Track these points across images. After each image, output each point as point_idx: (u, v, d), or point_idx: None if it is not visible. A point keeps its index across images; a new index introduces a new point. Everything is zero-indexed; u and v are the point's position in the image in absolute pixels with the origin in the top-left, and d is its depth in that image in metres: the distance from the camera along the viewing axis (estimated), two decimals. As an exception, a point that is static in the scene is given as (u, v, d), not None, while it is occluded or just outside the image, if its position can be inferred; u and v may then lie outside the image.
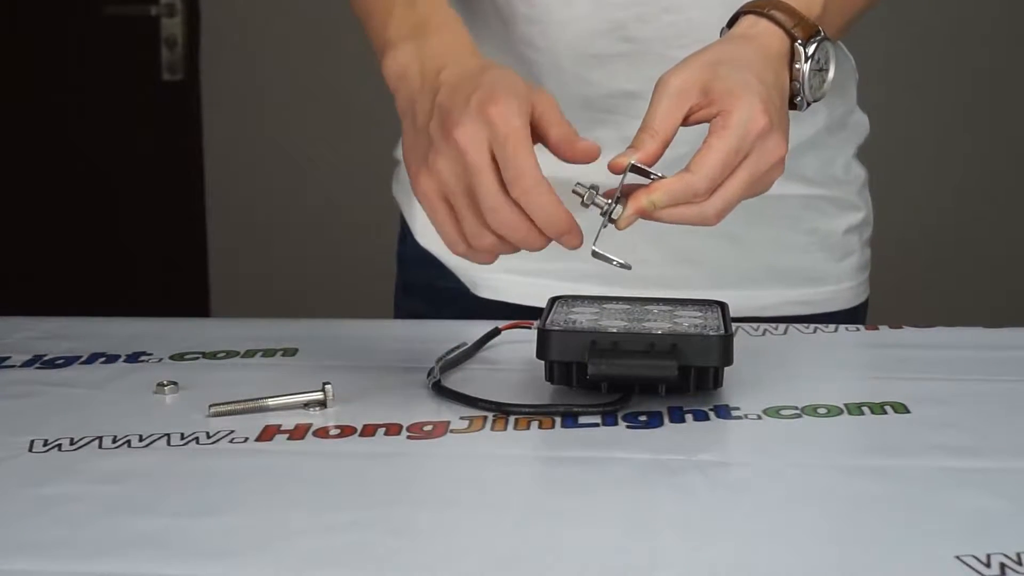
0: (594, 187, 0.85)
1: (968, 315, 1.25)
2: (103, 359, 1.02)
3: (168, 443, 0.83)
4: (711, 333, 0.87)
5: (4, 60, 3.07)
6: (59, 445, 0.82)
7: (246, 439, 0.83)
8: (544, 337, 0.88)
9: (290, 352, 1.03)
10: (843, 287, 1.19)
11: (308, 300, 3.03)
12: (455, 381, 0.93)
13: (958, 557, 0.64)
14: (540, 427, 0.85)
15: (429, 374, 0.93)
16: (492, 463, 0.80)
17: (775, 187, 1.13)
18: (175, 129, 3.11)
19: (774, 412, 0.87)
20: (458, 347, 1.00)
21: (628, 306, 0.96)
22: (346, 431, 0.84)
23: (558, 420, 0.86)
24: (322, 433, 0.84)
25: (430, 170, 0.84)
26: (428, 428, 0.85)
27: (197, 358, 1.02)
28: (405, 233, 1.23)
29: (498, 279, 1.16)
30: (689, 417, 0.86)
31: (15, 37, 3.07)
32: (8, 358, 1.02)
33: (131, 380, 0.96)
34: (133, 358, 1.02)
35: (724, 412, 0.87)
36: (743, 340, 1.04)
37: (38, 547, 0.67)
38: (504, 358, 1.00)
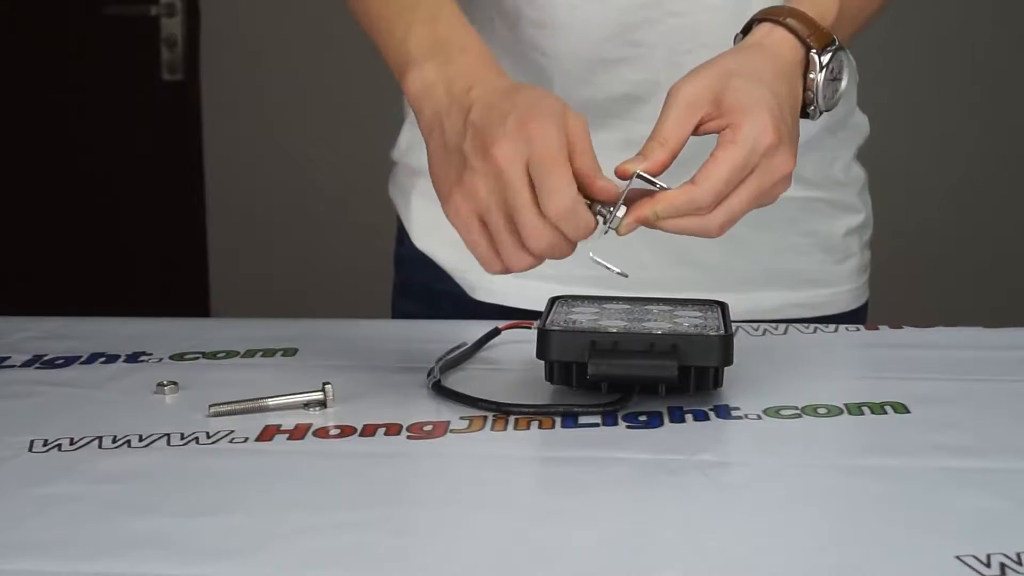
0: None
1: (968, 315, 1.25)
2: (103, 359, 1.02)
3: (168, 443, 0.83)
4: (711, 333, 0.87)
5: (4, 60, 3.07)
6: (59, 445, 0.82)
7: (246, 439, 0.83)
8: (544, 337, 0.88)
9: (290, 352, 1.03)
10: (843, 290, 1.19)
11: (308, 300, 3.03)
12: (455, 381, 0.93)
13: (958, 557, 0.64)
14: (540, 427, 0.85)
15: (429, 374, 0.93)
16: (492, 463, 0.80)
17: None
18: (175, 129, 3.11)
19: (774, 412, 0.87)
20: (458, 347, 1.00)
21: (628, 306, 0.96)
22: (346, 431, 0.84)
23: (558, 420, 0.86)
24: (322, 433, 0.84)
25: (464, 190, 0.83)
26: (428, 428, 0.85)
27: (197, 358, 1.02)
28: (402, 235, 1.23)
29: (494, 282, 1.16)
30: (689, 417, 0.86)
31: (15, 37, 3.07)
32: (8, 358, 1.02)
33: (131, 380, 0.96)
34: (133, 358, 1.02)
35: (724, 412, 0.87)
36: (743, 340, 1.04)
37: (38, 547, 0.67)
38: (504, 358, 1.00)
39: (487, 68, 0.90)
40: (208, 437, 0.83)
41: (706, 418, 0.86)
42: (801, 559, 0.65)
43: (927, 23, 2.90)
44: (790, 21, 0.91)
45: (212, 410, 0.87)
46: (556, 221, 0.82)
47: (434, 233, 1.19)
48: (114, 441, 0.83)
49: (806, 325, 1.10)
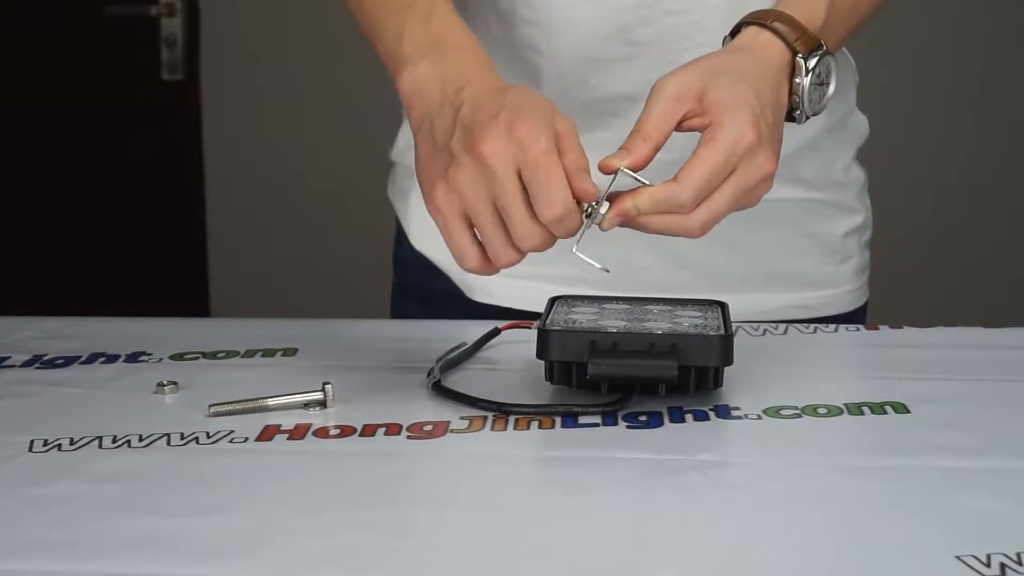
0: None
1: (968, 315, 1.25)
2: (103, 359, 1.02)
3: (168, 443, 0.83)
4: (711, 333, 0.87)
5: (4, 60, 3.07)
6: (59, 445, 0.82)
7: (246, 439, 0.83)
8: (544, 337, 0.88)
9: (290, 352, 1.03)
10: (843, 291, 1.19)
11: (308, 300, 3.04)
12: (455, 381, 0.93)
13: (958, 557, 0.64)
14: (540, 427, 0.85)
15: (429, 374, 0.93)
16: (492, 463, 0.80)
17: (775, 191, 1.13)
18: (175, 129, 3.11)
19: (774, 412, 0.87)
20: (458, 347, 1.00)
21: (628, 306, 0.96)
22: (346, 431, 0.84)
23: (558, 420, 0.86)
24: (322, 433, 0.84)
25: (449, 185, 0.84)
26: (428, 428, 0.85)
27: (197, 358, 1.02)
28: (401, 236, 1.23)
29: (493, 283, 1.16)
30: (689, 417, 0.86)
31: (15, 37, 3.07)
32: (8, 358, 1.02)
33: (131, 380, 0.96)
34: (133, 358, 1.02)
35: (724, 412, 0.87)
36: (743, 340, 1.04)
37: (38, 547, 0.67)
38: (504, 358, 1.00)
39: (481, 67, 0.90)
40: (208, 437, 0.83)
41: (706, 418, 0.86)
42: (801, 559, 0.65)
43: (927, 23, 2.90)
44: (777, 25, 0.91)
45: (212, 410, 0.87)
46: (550, 225, 0.82)
47: (432, 234, 1.17)
48: (114, 441, 0.83)
49: (806, 325, 1.10)
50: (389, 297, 1.28)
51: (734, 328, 0.91)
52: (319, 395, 0.88)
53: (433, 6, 0.93)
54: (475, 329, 1.03)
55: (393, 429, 0.84)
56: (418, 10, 0.93)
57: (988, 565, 0.63)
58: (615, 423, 0.85)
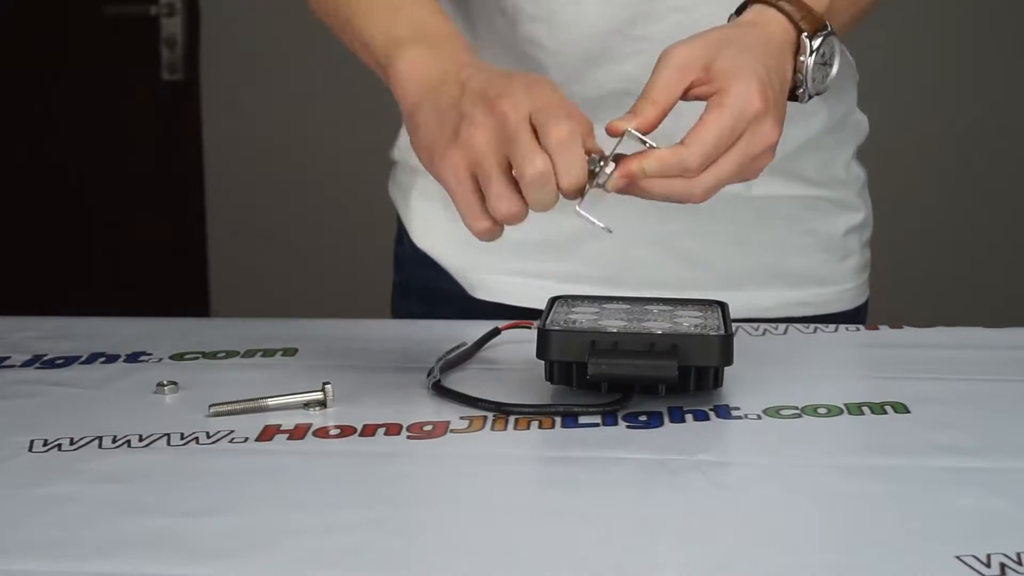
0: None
1: (968, 315, 1.25)
2: (103, 359, 1.02)
3: (168, 443, 0.83)
4: (711, 333, 0.87)
5: (4, 60, 3.07)
6: (59, 445, 0.82)
7: (246, 439, 0.83)
8: (544, 337, 0.88)
9: (290, 352, 1.03)
10: (844, 288, 1.19)
11: (308, 300, 3.03)
12: (455, 381, 0.93)
13: (958, 557, 0.64)
14: (540, 427, 0.85)
15: (429, 374, 0.93)
16: (492, 463, 0.80)
17: (776, 187, 1.13)
18: (175, 129, 3.11)
19: (774, 412, 0.87)
20: (458, 347, 1.00)
21: (628, 306, 0.96)
22: (346, 431, 0.84)
23: (558, 420, 0.86)
24: (322, 433, 0.84)
25: (461, 141, 0.84)
26: (428, 428, 0.85)
27: (197, 358, 1.02)
28: (402, 235, 1.23)
29: (495, 280, 1.16)
30: (689, 417, 0.86)
31: (15, 37, 3.07)
32: (8, 358, 1.02)
33: (131, 380, 0.96)
34: (133, 358, 1.02)
35: (724, 412, 0.87)
36: (743, 340, 1.04)
37: (38, 547, 0.67)
38: (504, 358, 1.00)
39: (472, 57, 0.91)
40: (208, 437, 0.83)
41: (706, 418, 0.86)
42: (801, 559, 0.65)
43: (927, 22, 2.90)
44: (782, 3, 0.92)
45: (212, 410, 0.87)
46: (555, 152, 0.82)
47: (434, 231, 1.19)
48: (114, 441, 0.83)
49: (806, 325, 1.10)
50: (389, 297, 1.28)
51: (734, 328, 0.91)
52: (319, 395, 0.88)
53: (419, 6, 0.95)
54: (475, 329, 1.03)
55: (393, 429, 0.84)
56: (406, 11, 0.95)
57: (988, 565, 0.63)
58: (615, 423, 0.85)
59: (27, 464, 0.80)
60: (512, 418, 0.86)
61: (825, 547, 0.67)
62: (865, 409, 0.88)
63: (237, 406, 0.87)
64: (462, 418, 0.86)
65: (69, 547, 0.67)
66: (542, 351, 0.88)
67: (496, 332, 1.03)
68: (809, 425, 0.85)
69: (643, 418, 0.85)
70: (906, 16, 2.74)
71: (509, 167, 0.83)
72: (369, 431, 0.84)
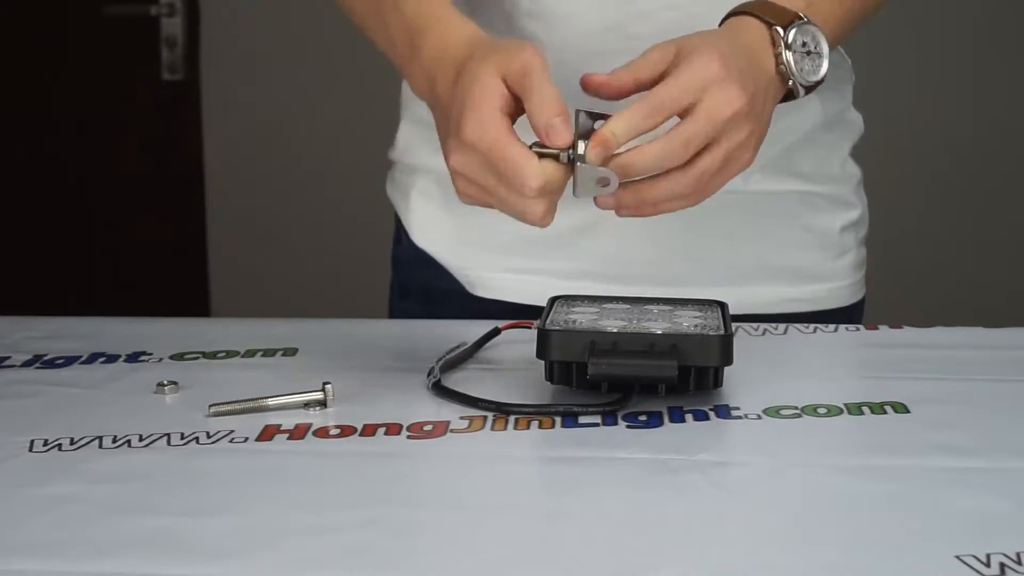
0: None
1: (968, 315, 1.25)
2: (103, 359, 1.02)
3: (168, 443, 0.83)
4: (711, 333, 0.87)
5: (4, 60, 3.07)
6: (59, 445, 0.82)
7: (246, 439, 0.83)
8: (544, 337, 0.88)
9: (290, 352, 1.03)
10: (840, 285, 1.20)
11: (308, 300, 3.03)
12: (455, 381, 0.93)
13: (958, 557, 0.64)
14: (540, 427, 0.85)
15: (429, 374, 0.93)
16: (492, 463, 0.80)
17: (772, 183, 1.14)
18: (175, 129, 3.11)
19: (774, 412, 0.87)
20: (458, 347, 1.00)
21: (628, 306, 0.96)
22: (346, 431, 0.84)
23: (558, 420, 0.86)
24: (322, 433, 0.84)
25: (452, 170, 0.88)
26: (428, 428, 0.85)
27: (197, 358, 1.02)
28: (400, 235, 1.23)
29: (495, 278, 1.16)
30: (689, 417, 0.86)
31: (15, 37, 3.07)
32: (8, 358, 1.02)
33: (131, 380, 0.96)
34: (133, 358, 1.02)
35: (724, 412, 0.87)
36: (743, 340, 1.04)
37: (38, 547, 0.67)
38: (504, 358, 1.00)
39: (446, 47, 0.92)
40: (208, 437, 0.83)
41: (706, 418, 0.86)
42: (801, 559, 0.65)
43: (923, 22, 2.90)
44: (753, 8, 0.95)
45: (212, 410, 0.87)
46: (539, 190, 0.85)
47: (433, 230, 1.19)
48: (114, 441, 0.83)
49: (806, 325, 1.10)
50: (388, 297, 1.28)
51: (734, 328, 0.91)
52: (319, 395, 0.88)
53: None
54: (475, 329, 1.03)
55: (393, 429, 0.84)
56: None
57: (988, 565, 0.63)
58: (615, 423, 0.85)
59: (27, 464, 0.80)
60: (512, 418, 0.86)
61: (825, 547, 0.67)
62: (865, 409, 0.88)
63: (237, 406, 0.87)
64: (462, 418, 0.86)
65: (69, 547, 0.67)
66: (542, 351, 0.88)
67: (496, 332, 1.03)
68: (809, 425, 0.85)
69: (643, 418, 0.85)
70: (902, 16, 2.74)
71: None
72: (369, 431, 0.84)
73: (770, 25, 0.94)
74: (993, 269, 2.99)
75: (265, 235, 3.14)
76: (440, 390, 0.90)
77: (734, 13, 0.96)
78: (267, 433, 0.84)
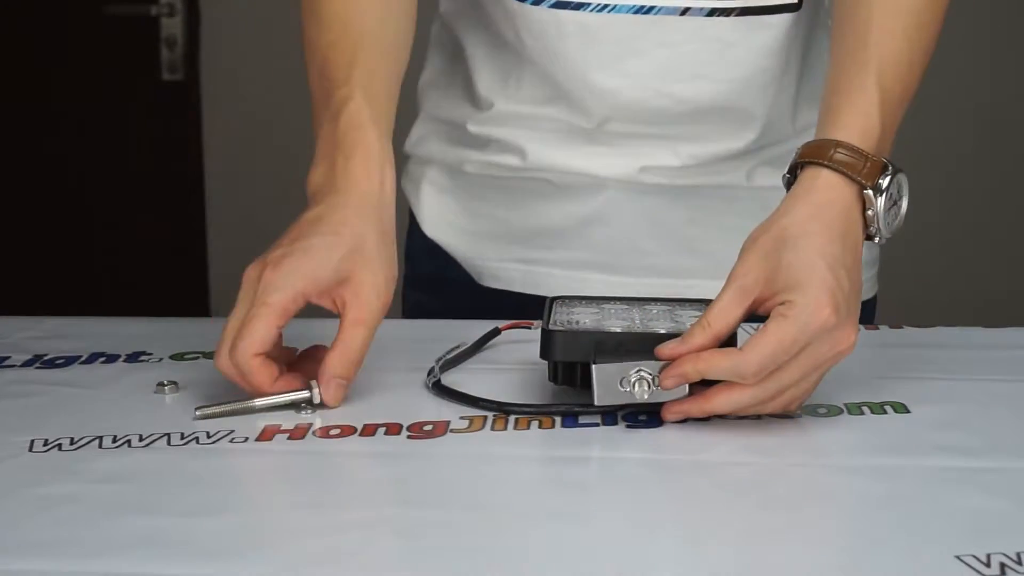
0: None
1: (968, 315, 1.25)
2: (103, 359, 1.02)
3: (168, 443, 0.83)
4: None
5: (4, 60, 3.07)
6: (59, 445, 0.82)
7: (246, 439, 0.83)
8: (548, 337, 0.88)
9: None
10: None
11: (308, 300, 3.03)
12: (455, 381, 0.93)
13: (958, 557, 0.64)
14: (540, 427, 0.85)
15: (429, 374, 0.93)
16: (492, 463, 0.80)
17: (775, 178, 1.14)
18: (175, 129, 3.11)
19: (774, 412, 0.87)
20: (458, 347, 1.00)
21: (627, 306, 0.96)
22: (346, 431, 0.84)
23: (558, 420, 0.86)
24: (322, 433, 0.84)
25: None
26: (428, 428, 0.84)
27: (197, 358, 1.02)
28: (412, 228, 1.24)
29: (501, 268, 1.18)
30: (690, 418, 0.86)
31: (15, 37, 3.07)
32: (8, 358, 1.02)
33: (131, 380, 0.96)
34: (133, 358, 1.02)
35: (724, 412, 0.87)
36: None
37: (38, 547, 0.67)
38: (504, 358, 1.00)
39: (351, 188, 0.91)
40: (208, 437, 0.83)
41: (707, 419, 0.85)
42: (801, 559, 0.65)
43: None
44: (837, 157, 0.86)
45: (199, 413, 0.87)
46: (235, 361, 0.86)
47: (443, 221, 1.20)
48: (114, 441, 0.83)
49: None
50: (396, 298, 1.29)
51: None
52: (306, 394, 0.87)
53: (348, 99, 0.93)
54: (475, 329, 1.03)
55: (393, 429, 0.84)
56: (332, 105, 0.93)
57: (988, 565, 0.63)
58: (615, 423, 0.85)
59: (27, 464, 0.80)
60: (512, 418, 0.86)
61: (825, 547, 0.67)
62: (865, 409, 0.88)
63: (225, 408, 0.87)
64: (462, 418, 0.86)
65: (69, 547, 0.67)
66: (546, 351, 0.88)
67: (496, 332, 1.03)
68: (809, 425, 0.85)
69: (643, 418, 0.85)
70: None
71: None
72: (369, 431, 0.84)
73: (861, 187, 0.86)
74: (994, 269, 2.99)
75: (265, 235, 3.11)
76: (440, 390, 0.90)
77: (813, 159, 0.87)
78: (267, 433, 0.84)
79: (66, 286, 3.10)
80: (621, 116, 1.08)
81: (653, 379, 0.83)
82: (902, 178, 0.88)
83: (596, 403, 0.83)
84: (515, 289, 1.17)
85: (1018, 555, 0.64)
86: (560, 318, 0.92)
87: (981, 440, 0.82)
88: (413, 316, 1.22)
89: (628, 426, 0.84)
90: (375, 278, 0.88)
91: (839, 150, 0.87)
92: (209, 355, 1.02)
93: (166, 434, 0.84)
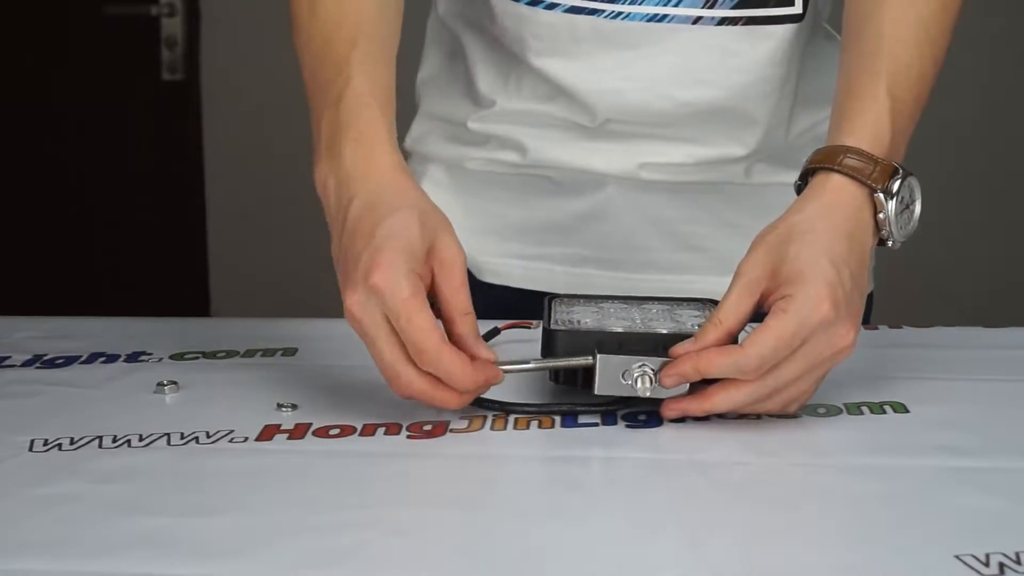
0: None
1: (968, 315, 1.25)
2: (103, 359, 1.02)
3: (168, 443, 0.83)
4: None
5: (4, 60, 3.07)
6: (59, 445, 0.82)
7: (246, 439, 0.83)
8: (550, 337, 0.88)
9: (290, 352, 1.03)
10: None
11: (308, 300, 3.03)
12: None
13: (958, 557, 0.64)
14: (540, 427, 0.85)
15: (429, 374, 0.93)
16: (492, 463, 0.80)
17: (775, 175, 1.14)
18: (175, 129, 3.11)
19: (774, 412, 0.87)
20: (458, 347, 0.99)
21: (626, 305, 0.96)
22: (346, 431, 0.84)
23: (558, 420, 0.86)
24: (322, 433, 0.84)
25: (348, 311, 0.84)
26: (428, 428, 0.85)
27: (197, 358, 1.02)
28: None
29: (501, 263, 1.18)
30: (689, 417, 0.86)
31: (15, 37, 3.07)
32: (8, 358, 1.02)
33: (131, 380, 0.96)
34: (133, 358, 1.02)
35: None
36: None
37: (38, 547, 0.67)
38: (504, 358, 1.00)
39: (371, 166, 0.88)
40: (208, 437, 0.83)
41: (706, 418, 0.85)
42: (801, 559, 0.65)
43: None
44: (847, 162, 0.87)
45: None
46: (428, 369, 0.82)
47: None
48: (114, 441, 0.83)
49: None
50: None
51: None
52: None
53: (347, 83, 0.91)
54: (475, 329, 1.03)
55: (393, 429, 0.84)
56: (332, 92, 0.91)
57: (987, 565, 0.63)
58: (615, 423, 0.85)
59: (27, 464, 0.80)
60: (512, 418, 0.86)
61: (825, 547, 0.67)
62: (864, 409, 0.88)
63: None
64: (462, 418, 0.86)
65: (69, 547, 0.67)
66: (548, 351, 0.88)
67: (496, 332, 1.03)
68: (809, 425, 0.85)
69: (643, 418, 0.85)
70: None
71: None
72: (369, 431, 0.84)
73: (872, 190, 0.87)
74: (994, 268, 2.99)
75: (265, 235, 3.14)
76: (440, 390, 0.90)
77: (823, 164, 0.88)
78: (267, 433, 0.84)
79: (66, 286, 3.10)
80: (623, 117, 1.09)
81: (655, 375, 0.83)
82: (913, 182, 0.89)
83: (596, 392, 0.84)
84: (513, 284, 1.18)
85: (1017, 555, 0.64)
86: (561, 317, 0.92)
87: (981, 440, 0.82)
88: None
89: (628, 426, 0.84)
90: (450, 237, 0.86)
91: (849, 155, 0.87)
92: (209, 355, 1.02)
93: (166, 434, 0.84)
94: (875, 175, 0.87)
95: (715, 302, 0.95)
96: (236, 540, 0.68)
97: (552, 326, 0.89)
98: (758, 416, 0.86)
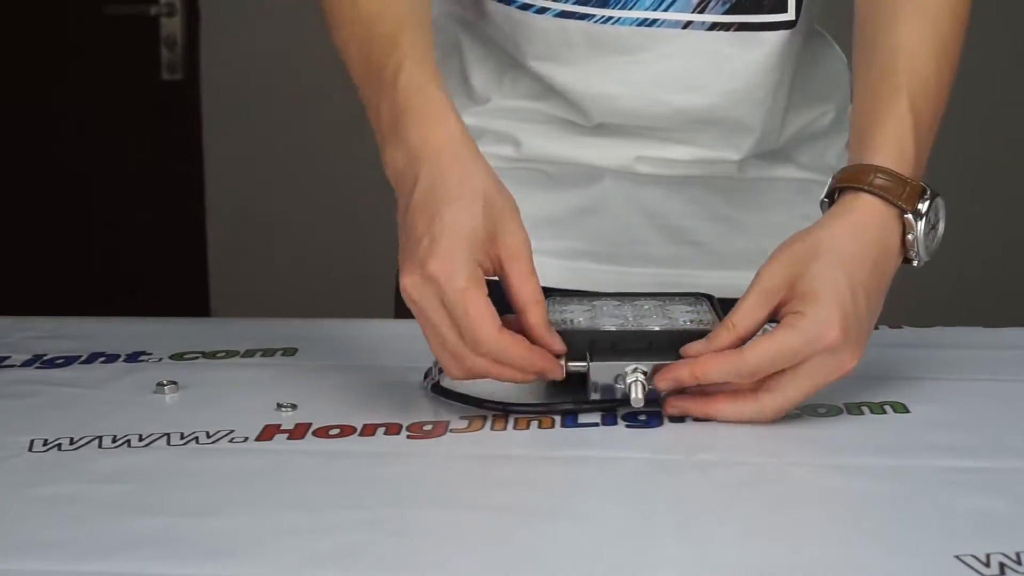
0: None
1: (968, 315, 1.25)
2: (103, 359, 1.02)
3: (168, 443, 0.83)
4: (707, 327, 0.87)
5: (4, 60, 3.07)
6: (59, 445, 0.82)
7: (246, 439, 0.83)
8: (546, 336, 0.88)
9: (290, 352, 1.03)
10: None
11: (308, 300, 3.03)
12: (454, 381, 0.92)
13: (958, 557, 0.64)
14: (540, 427, 0.85)
15: (428, 374, 0.93)
16: (492, 463, 0.80)
17: (768, 170, 1.15)
18: (175, 129, 3.11)
19: (774, 412, 0.87)
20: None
21: (618, 302, 0.96)
22: (346, 431, 0.84)
23: (558, 420, 0.86)
24: (322, 433, 0.84)
25: (405, 292, 0.84)
26: (428, 428, 0.85)
27: (197, 358, 1.02)
28: None
29: None
30: (689, 417, 0.86)
31: (15, 37, 3.07)
32: (8, 358, 1.02)
33: (131, 380, 0.96)
34: (133, 358, 1.02)
35: (724, 412, 0.87)
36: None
37: (38, 547, 0.67)
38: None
39: (436, 144, 0.88)
40: (208, 437, 0.83)
41: (706, 418, 0.85)
42: (801, 559, 0.65)
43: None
44: (877, 182, 0.87)
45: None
46: (487, 357, 0.82)
47: None
48: (114, 441, 0.83)
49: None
50: (391, 296, 1.28)
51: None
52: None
53: (401, 65, 0.91)
54: (475, 329, 1.03)
55: (393, 429, 0.84)
56: (387, 75, 0.91)
57: (987, 565, 0.63)
58: (615, 423, 0.85)
59: (27, 464, 0.80)
60: (512, 418, 0.86)
61: (825, 547, 0.67)
62: (865, 409, 0.88)
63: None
64: (462, 418, 0.86)
65: (68, 547, 0.67)
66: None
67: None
68: (809, 425, 0.85)
69: (643, 418, 0.85)
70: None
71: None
72: (369, 431, 0.84)
73: (902, 211, 0.87)
74: (993, 269, 2.99)
75: (265, 235, 3.14)
76: (439, 390, 0.90)
77: (850, 183, 0.88)
78: (267, 433, 0.84)
79: (66, 286, 3.10)
80: (617, 120, 1.09)
81: (648, 378, 0.83)
82: (939, 202, 0.89)
83: (590, 399, 0.85)
84: None
85: (1018, 555, 0.64)
86: (554, 317, 0.91)
87: (981, 440, 0.82)
88: (411, 314, 1.22)
89: (628, 426, 0.84)
90: (515, 223, 0.86)
91: (879, 175, 0.87)
92: (209, 355, 1.02)
93: (166, 434, 0.84)
94: (905, 196, 0.87)
95: (708, 296, 0.96)
96: (236, 540, 0.68)
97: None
98: (758, 416, 0.86)
